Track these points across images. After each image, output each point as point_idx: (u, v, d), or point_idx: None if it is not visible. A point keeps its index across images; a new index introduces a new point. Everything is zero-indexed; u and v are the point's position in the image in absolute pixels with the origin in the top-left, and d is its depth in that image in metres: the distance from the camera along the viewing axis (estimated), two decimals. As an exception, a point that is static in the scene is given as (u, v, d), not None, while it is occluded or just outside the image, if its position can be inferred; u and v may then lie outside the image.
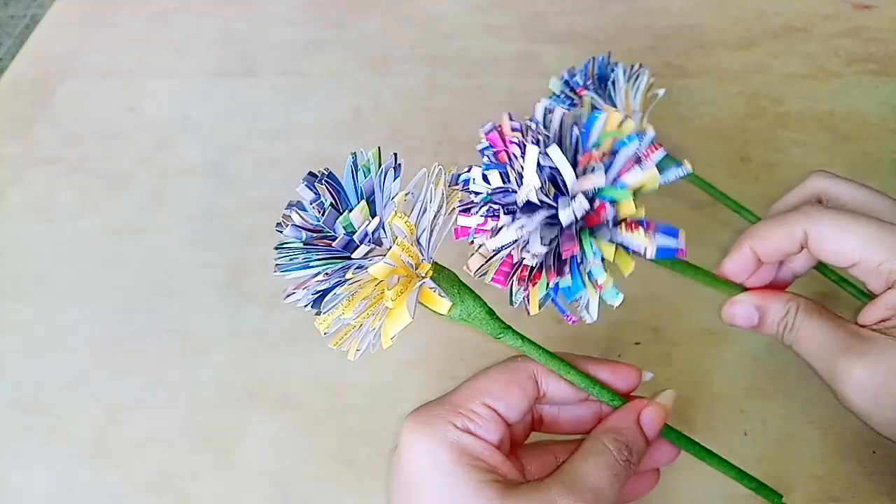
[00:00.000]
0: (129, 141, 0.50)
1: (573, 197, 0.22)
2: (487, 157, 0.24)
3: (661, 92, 0.42)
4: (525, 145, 0.22)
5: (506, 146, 0.23)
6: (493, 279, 0.23)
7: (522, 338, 0.25)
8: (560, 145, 0.22)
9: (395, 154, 0.23)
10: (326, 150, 0.48)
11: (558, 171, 0.22)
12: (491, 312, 0.25)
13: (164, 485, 0.34)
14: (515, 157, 0.23)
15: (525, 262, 0.22)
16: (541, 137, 0.22)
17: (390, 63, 0.54)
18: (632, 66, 0.41)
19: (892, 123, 0.47)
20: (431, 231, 0.23)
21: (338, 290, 0.22)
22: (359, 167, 0.23)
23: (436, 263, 0.24)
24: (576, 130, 0.22)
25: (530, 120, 0.23)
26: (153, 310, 0.40)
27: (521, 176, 0.22)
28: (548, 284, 0.23)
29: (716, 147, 0.46)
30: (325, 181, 0.23)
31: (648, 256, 0.22)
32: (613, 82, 0.41)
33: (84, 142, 0.50)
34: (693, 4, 0.57)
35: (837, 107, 0.48)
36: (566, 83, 0.42)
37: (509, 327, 0.25)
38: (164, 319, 0.40)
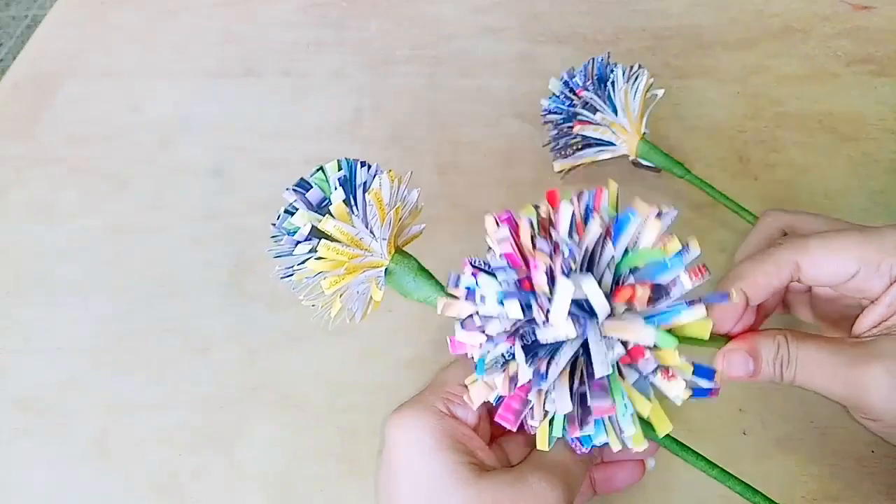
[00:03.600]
0: (131, 141, 0.50)
1: (609, 344, 0.18)
2: (505, 279, 0.19)
3: (660, 92, 0.42)
4: (555, 276, 0.18)
5: (528, 269, 0.19)
6: (499, 416, 0.20)
7: None
8: (590, 262, 0.18)
9: (350, 162, 0.26)
10: (327, 151, 0.48)
11: (587, 300, 0.18)
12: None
13: (164, 484, 0.34)
14: (541, 287, 0.18)
15: (546, 408, 0.19)
16: (573, 265, 0.18)
17: (390, 64, 0.54)
18: (631, 67, 0.42)
19: (890, 124, 0.47)
20: (386, 225, 0.26)
21: (298, 270, 0.26)
22: (311, 182, 0.27)
23: (397, 255, 0.27)
24: (608, 250, 0.18)
25: (551, 226, 0.19)
26: (154, 309, 0.40)
27: (546, 310, 0.18)
28: (565, 427, 0.19)
29: (715, 148, 0.46)
30: (294, 188, 0.27)
31: (680, 402, 0.19)
32: (613, 83, 0.41)
33: (85, 142, 0.50)
34: (692, 5, 0.58)
35: (836, 107, 0.48)
36: (566, 84, 0.42)
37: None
38: (164, 319, 0.40)
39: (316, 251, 0.25)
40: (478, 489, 0.24)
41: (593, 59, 0.42)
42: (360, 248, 0.26)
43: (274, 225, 0.28)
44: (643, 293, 0.18)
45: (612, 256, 0.19)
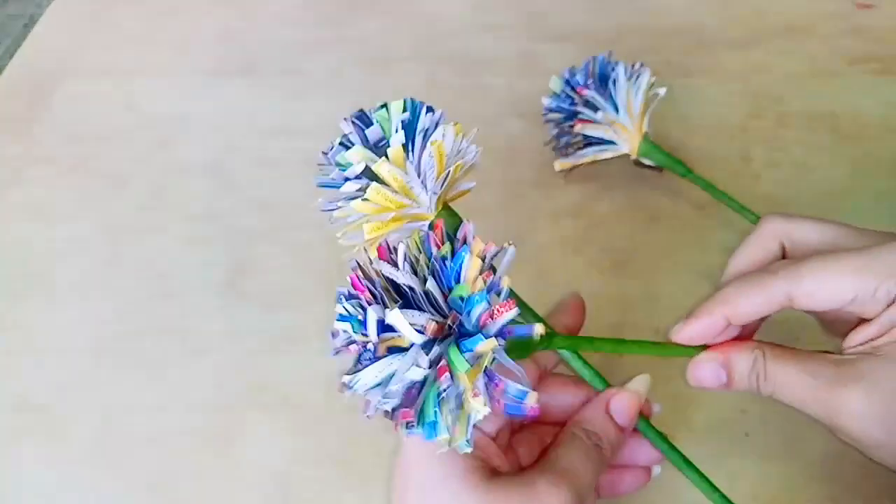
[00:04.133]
0: (128, 140, 0.50)
1: (414, 363, 0.21)
2: (344, 303, 0.23)
3: (662, 91, 0.42)
4: (367, 305, 0.22)
5: (359, 294, 0.22)
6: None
7: (517, 299, 0.27)
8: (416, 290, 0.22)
9: (415, 104, 0.26)
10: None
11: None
12: None
13: (163, 485, 0.34)
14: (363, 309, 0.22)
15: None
16: (388, 299, 0.22)
17: (390, 62, 0.54)
18: (633, 65, 0.41)
19: (893, 123, 0.47)
20: (441, 179, 0.25)
21: (342, 206, 0.26)
22: (373, 118, 0.26)
23: (443, 210, 0.26)
24: (430, 283, 0.22)
25: (394, 257, 0.22)
26: (152, 310, 0.40)
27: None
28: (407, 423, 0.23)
29: (717, 147, 0.46)
30: (353, 119, 0.26)
31: (475, 421, 0.22)
32: (614, 81, 0.41)
33: (83, 141, 0.50)
34: (694, 3, 0.57)
35: (839, 106, 0.48)
36: (567, 82, 0.42)
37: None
38: (163, 319, 0.40)
39: (364, 191, 0.25)
40: (486, 494, 0.24)
41: (594, 57, 0.42)
42: (409, 198, 0.25)
43: (325, 154, 0.27)
44: (434, 327, 0.21)
45: (437, 289, 0.22)
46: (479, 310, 0.21)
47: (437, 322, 0.21)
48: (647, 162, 0.42)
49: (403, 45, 0.55)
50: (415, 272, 0.22)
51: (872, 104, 0.48)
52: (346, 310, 0.22)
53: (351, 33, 0.57)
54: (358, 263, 0.23)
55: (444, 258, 0.22)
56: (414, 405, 0.22)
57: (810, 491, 0.32)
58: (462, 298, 0.22)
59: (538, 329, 0.23)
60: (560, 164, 0.43)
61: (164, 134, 0.50)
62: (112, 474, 0.34)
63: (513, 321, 0.22)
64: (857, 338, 0.25)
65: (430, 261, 0.23)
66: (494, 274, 0.22)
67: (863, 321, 0.25)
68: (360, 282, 0.22)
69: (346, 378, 0.23)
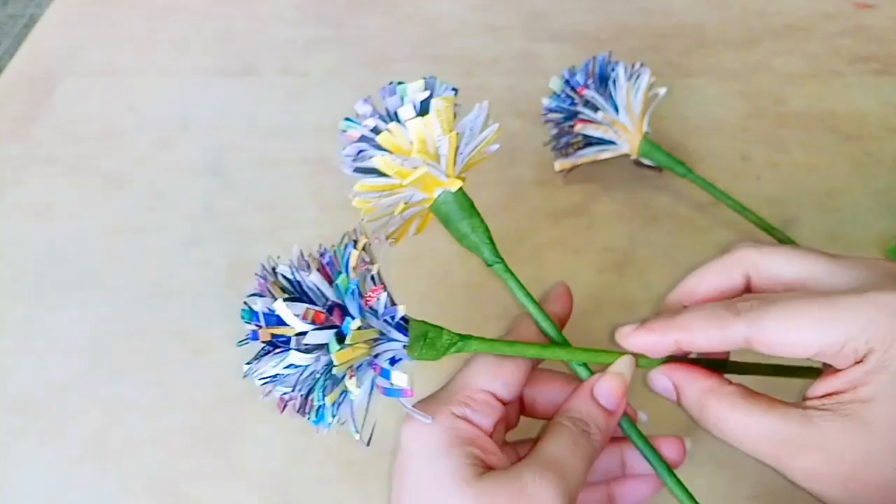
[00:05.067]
0: (128, 140, 0.50)
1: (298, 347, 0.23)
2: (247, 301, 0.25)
3: (662, 91, 0.42)
4: (260, 294, 0.24)
5: (258, 292, 0.25)
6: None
7: (511, 274, 0.27)
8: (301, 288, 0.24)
9: (432, 81, 0.28)
10: (326, 150, 0.48)
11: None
12: (487, 241, 0.28)
13: (162, 486, 0.34)
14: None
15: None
16: (272, 288, 0.24)
17: (390, 62, 0.54)
18: (632, 66, 0.41)
19: (893, 123, 0.47)
20: (468, 150, 0.27)
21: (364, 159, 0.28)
22: (386, 95, 0.28)
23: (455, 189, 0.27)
24: (314, 276, 0.24)
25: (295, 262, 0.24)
26: (152, 310, 0.40)
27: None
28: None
29: (717, 147, 0.46)
30: (384, 89, 0.28)
31: (353, 398, 0.24)
32: (614, 81, 0.41)
33: (83, 141, 0.50)
34: (694, 3, 0.57)
35: (839, 106, 0.48)
36: (567, 82, 0.42)
37: (502, 260, 0.28)
38: (163, 320, 0.40)
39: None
40: (477, 489, 0.24)
41: (594, 57, 0.42)
42: (406, 177, 0.26)
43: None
44: (313, 314, 0.23)
45: (323, 282, 0.24)
46: (355, 295, 0.23)
47: (316, 310, 0.23)
48: (646, 162, 0.42)
49: (403, 45, 0.55)
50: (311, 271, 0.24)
51: (872, 104, 0.48)
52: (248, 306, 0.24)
53: (351, 33, 0.57)
54: (264, 267, 0.24)
55: (334, 254, 0.24)
56: (305, 390, 0.23)
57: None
58: (340, 287, 0.23)
59: (401, 310, 0.24)
60: (560, 164, 0.43)
61: (164, 133, 0.50)
62: (112, 474, 0.34)
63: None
64: (821, 388, 0.24)
65: (320, 258, 0.25)
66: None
67: (828, 367, 0.24)
68: (264, 283, 0.24)
69: (245, 367, 0.24)
